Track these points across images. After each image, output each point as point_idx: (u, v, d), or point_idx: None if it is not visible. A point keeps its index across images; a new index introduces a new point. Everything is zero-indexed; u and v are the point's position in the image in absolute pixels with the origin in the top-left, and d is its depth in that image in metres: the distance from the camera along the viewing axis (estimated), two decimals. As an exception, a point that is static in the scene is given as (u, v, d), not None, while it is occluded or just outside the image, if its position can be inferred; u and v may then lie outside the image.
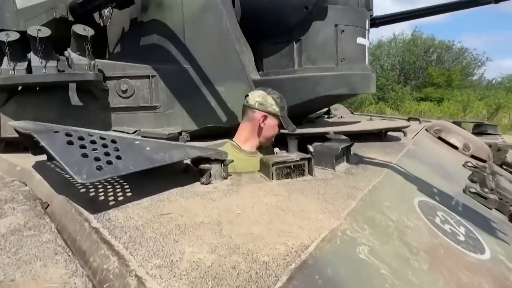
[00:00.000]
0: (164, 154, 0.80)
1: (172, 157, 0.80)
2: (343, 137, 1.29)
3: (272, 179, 0.93)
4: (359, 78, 1.56)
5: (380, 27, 2.40)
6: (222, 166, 0.93)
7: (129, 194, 0.79)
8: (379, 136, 1.72)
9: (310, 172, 0.99)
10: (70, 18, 1.68)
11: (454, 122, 2.66)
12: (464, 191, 1.29)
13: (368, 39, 1.65)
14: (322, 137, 1.66)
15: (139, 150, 0.78)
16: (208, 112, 1.61)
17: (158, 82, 1.58)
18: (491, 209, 1.23)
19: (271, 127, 1.38)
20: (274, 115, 1.36)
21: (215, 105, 1.61)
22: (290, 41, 1.54)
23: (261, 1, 1.55)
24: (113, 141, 0.77)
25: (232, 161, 0.97)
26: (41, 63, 1.38)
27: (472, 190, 1.28)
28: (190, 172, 0.95)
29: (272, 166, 0.93)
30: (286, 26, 1.52)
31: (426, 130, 2.14)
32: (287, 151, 1.46)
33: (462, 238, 0.87)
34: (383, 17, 2.35)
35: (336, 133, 1.64)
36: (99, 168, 0.68)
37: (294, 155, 1.00)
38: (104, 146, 0.75)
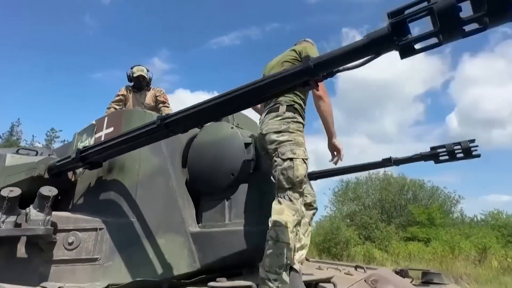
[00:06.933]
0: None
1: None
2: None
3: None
4: (282, 231, 1.80)
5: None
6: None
7: None
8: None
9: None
10: (46, 176, 2.03)
11: (401, 270, 2.74)
12: None
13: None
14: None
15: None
16: (144, 264, 1.73)
17: (104, 235, 1.77)
18: None
19: None
20: None
21: (152, 257, 1.75)
22: (223, 199, 1.86)
23: (202, 166, 1.96)
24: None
25: None
26: (1, 218, 1.60)
27: None
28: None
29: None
30: (219, 187, 1.88)
31: (365, 280, 2.22)
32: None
33: None
34: (318, 172, 2.87)
35: None
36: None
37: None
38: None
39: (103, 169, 2.04)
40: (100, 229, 1.78)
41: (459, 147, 2.29)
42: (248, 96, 1.14)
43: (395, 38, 0.83)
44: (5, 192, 1.65)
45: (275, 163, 1.68)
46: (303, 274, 1.84)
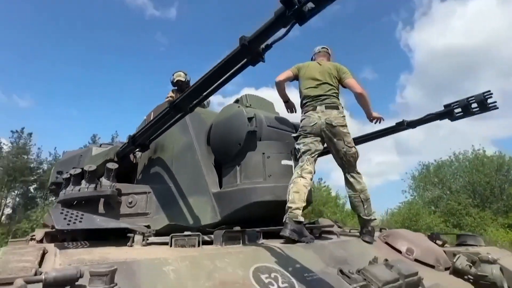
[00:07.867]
0: (105, 223, 1.47)
1: (108, 224, 1.46)
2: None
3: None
4: (283, 188, 2.12)
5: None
6: (144, 237, 1.52)
7: (86, 246, 1.44)
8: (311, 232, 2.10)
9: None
10: (115, 159, 2.76)
11: (432, 233, 2.72)
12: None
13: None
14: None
15: (92, 220, 1.48)
16: (180, 217, 2.27)
17: (152, 197, 2.38)
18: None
19: None
20: None
21: (185, 212, 2.28)
22: (235, 165, 2.28)
23: (218, 140, 2.41)
24: (82, 215, 1.50)
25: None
26: (86, 185, 2.34)
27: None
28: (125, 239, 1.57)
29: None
30: (231, 155, 2.30)
31: (378, 237, 2.35)
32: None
33: None
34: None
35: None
36: (68, 224, 1.39)
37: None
38: (77, 216, 1.48)
39: (151, 150, 2.67)
40: (149, 192, 2.39)
41: (473, 100, 2.20)
42: (215, 76, 1.54)
43: (287, 11, 1.12)
44: (86, 168, 2.39)
45: (343, 149, 2.29)
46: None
